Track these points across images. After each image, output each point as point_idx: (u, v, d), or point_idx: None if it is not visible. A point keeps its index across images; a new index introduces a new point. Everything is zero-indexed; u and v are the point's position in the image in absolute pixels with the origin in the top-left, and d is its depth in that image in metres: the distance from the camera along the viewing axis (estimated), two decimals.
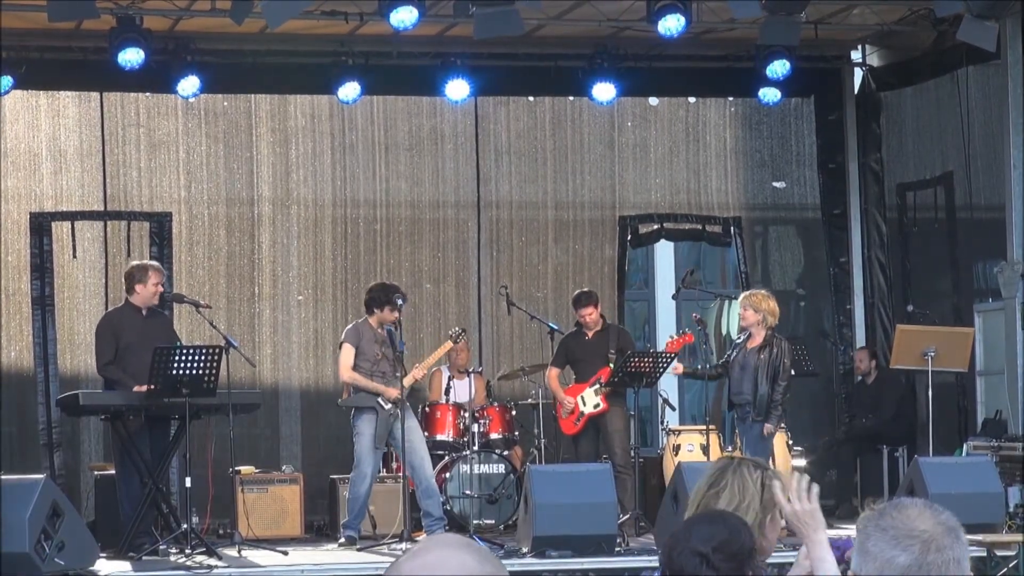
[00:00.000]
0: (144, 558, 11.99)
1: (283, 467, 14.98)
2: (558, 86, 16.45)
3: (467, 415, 14.36)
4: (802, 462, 15.19)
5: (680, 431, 14.73)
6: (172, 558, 12.05)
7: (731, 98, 17.28)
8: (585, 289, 14.79)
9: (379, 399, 13.08)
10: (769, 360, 13.15)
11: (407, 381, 13.09)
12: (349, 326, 13.56)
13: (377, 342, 13.20)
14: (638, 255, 18.41)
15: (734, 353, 13.42)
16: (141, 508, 12.30)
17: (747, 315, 13.28)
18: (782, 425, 14.26)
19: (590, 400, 14.15)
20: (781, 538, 6.00)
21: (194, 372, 12.17)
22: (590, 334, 14.31)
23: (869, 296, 17.27)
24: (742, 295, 13.65)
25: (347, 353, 13.26)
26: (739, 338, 13.55)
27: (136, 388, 12.36)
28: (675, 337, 14.21)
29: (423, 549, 3.00)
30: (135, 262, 13.49)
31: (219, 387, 12.28)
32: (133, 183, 15.85)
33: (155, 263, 13.31)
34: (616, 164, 16.97)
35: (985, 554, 11.35)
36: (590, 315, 14.26)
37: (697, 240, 17.66)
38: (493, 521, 14.00)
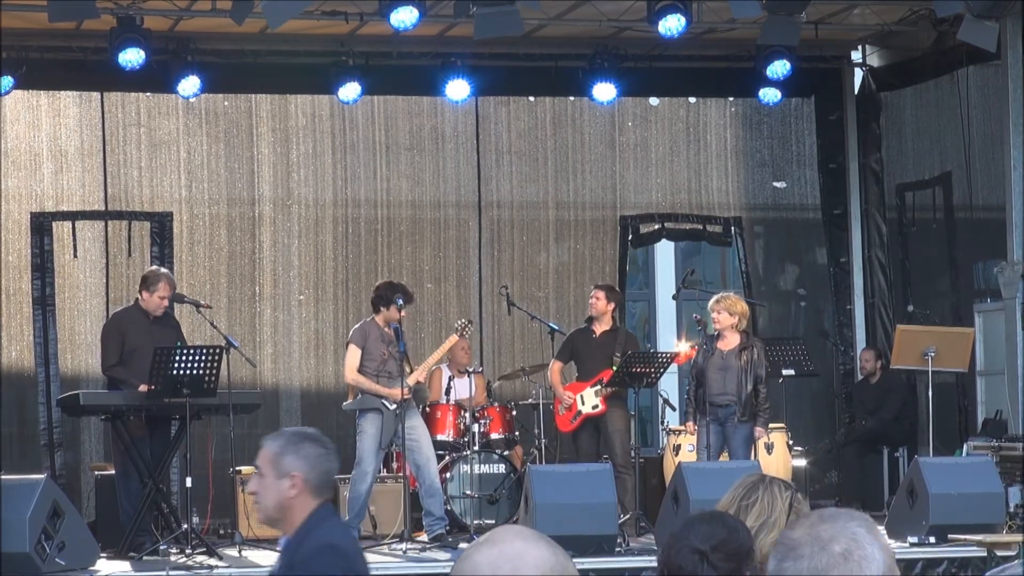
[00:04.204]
0: (144, 558, 11.98)
1: None
2: (558, 86, 16.44)
3: (467, 415, 14.35)
4: (803, 463, 15.20)
5: (680, 431, 14.72)
6: (172, 558, 12.03)
7: (731, 98, 17.28)
8: (612, 284, 14.76)
9: (384, 400, 13.06)
10: (751, 362, 13.13)
11: (411, 380, 13.06)
12: (356, 326, 13.46)
13: (384, 341, 13.12)
14: (638, 255, 18.40)
15: (707, 355, 13.30)
16: (141, 508, 12.30)
17: (722, 318, 13.18)
18: (781, 425, 14.27)
19: (589, 400, 14.12)
20: None
21: (194, 372, 12.16)
22: (598, 332, 14.21)
23: (869, 296, 17.27)
24: (714, 298, 13.43)
25: (352, 355, 13.17)
26: (706, 341, 13.36)
27: (141, 388, 12.35)
28: (683, 351, 14.27)
29: (498, 539, 2.90)
30: (153, 267, 13.54)
31: (219, 387, 12.27)
32: (134, 183, 15.86)
33: (169, 274, 13.13)
34: (617, 164, 16.97)
35: (985, 554, 11.35)
36: (597, 300, 14.15)
37: (698, 240, 17.67)
38: (493, 521, 13.95)
